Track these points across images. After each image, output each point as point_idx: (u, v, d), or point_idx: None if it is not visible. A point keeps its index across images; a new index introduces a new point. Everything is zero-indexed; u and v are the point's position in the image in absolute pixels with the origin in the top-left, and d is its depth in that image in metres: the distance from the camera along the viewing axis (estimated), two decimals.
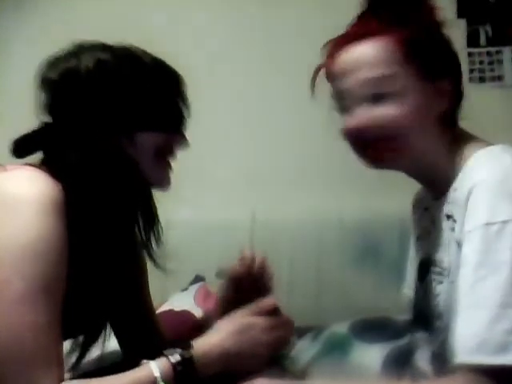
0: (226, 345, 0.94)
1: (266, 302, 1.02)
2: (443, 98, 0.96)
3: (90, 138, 0.96)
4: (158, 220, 1.07)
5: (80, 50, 1.00)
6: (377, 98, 0.95)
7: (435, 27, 0.99)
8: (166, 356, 0.90)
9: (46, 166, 0.95)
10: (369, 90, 0.95)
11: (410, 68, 0.95)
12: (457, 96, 0.99)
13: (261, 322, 0.98)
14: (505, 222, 0.83)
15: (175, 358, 0.90)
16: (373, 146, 0.97)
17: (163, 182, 1.06)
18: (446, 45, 1.00)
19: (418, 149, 0.97)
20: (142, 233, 1.04)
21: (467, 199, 0.88)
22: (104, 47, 1.01)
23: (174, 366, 0.89)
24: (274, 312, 1.01)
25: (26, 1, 2.11)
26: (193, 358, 0.91)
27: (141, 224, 1.04)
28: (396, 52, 0.95)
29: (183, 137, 1.07)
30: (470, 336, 0.82)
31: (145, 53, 1.03)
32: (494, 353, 0.79)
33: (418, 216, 1.13)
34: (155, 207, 1.06)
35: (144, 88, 0.99)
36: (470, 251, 0.85)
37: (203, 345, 0.94)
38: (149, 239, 1.05)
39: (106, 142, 0.97)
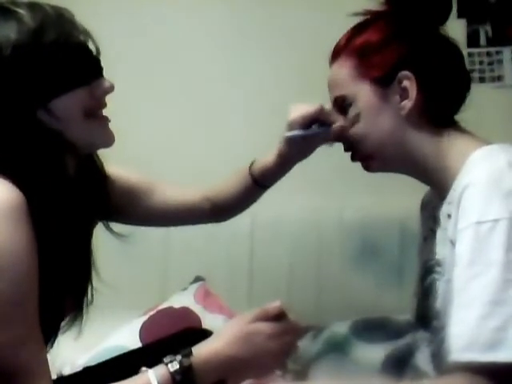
0: (229, 352, 0.90)
1: (272, 305, 0.96)
2: (405, 96, 0.98)
3: (8, 124, 0.86)
4: (105, 184, 1.03)
5: None
6: (343, 113, 1.03)
7: (393, 30, 1.01)
8: (165, 364, 0.88)
9: None
10: (337, 108, 1.05)
11: (360, 76, 1.01)
12: (432, 92, 0.99)
13: (266, 328, 0.92)
14: (496, 221, 0.83)
15: (174, 366, 0.87)
16: (352, 157, 1.06)
17: (103, 141, 0.97)
18: (406, 45, 1.00)
19: (399, 151, 1.00)
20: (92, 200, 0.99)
21: (460, 198, 0.89)
22: None
23: (173, 374, 0.86)
24: (280, 317, 0.95)
25: None
26: (192, 366, 0.87)
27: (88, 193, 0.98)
28: (349, 67, 1.01)
29: (103, 80, 0.94)
30: (462, 334, 0.82)
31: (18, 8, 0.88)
32: (484, 350, 0.80)
33: (426, 217, 1.14)
34: (99, 171, 1.02)
35: (33, 53, 0.85)
36: (462, 250, 0.86)
37: (204, 352, 0.90)
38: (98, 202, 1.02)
39: (24, 123, 0.86)
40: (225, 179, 1.28)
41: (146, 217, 1.23)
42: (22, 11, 0.87)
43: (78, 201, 0.95)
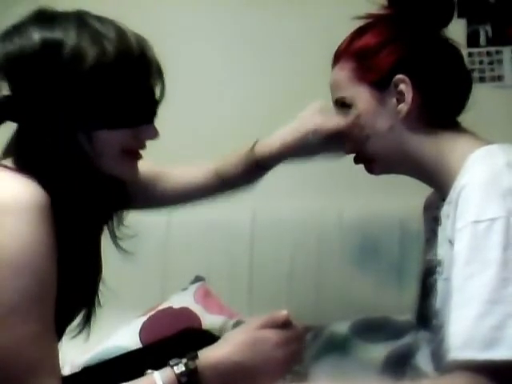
0: (235, 358, 0.90)
1: (279, 314, 0.95)
2: (401, 100, 0.99)
3: (49, 134, 0.88)
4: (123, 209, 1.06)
5: (29, 23, 0.90)
6: (344, 114, 1.04)
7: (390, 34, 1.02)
8: (171, 366, 0.88)
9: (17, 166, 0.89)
10: (338, 109, 1.06)
11: (359, 79, 1.02)
12: (431, 95, 1.00)
13: (273, 335, 0.92)
14: (493, 220, 0.83)
15: (179, 368, 0.87)
16: (355, 159, 1.07)
17: (128, 176, 1.00)
18: (402, 49, 1.01)
19: (399, 154, 1.01)
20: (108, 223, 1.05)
21: (458, 198, 0.89)
22: (57, 19, 0.90)
23: (178, 377, 0.87)
24: (286, 324, 0.95)
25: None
26: (198, 369, 0.88)
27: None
28: (349, 70, 1.03)
29: (151, 126, 0.97)
30: (459, 333, 0.82)
31: (108, 31, 0.92)
32: (482, 348, 0.80)
33: (429, 218, 1.14)
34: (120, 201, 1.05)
35: (105, 82, 0.88)
36: (460, 249, 0.86)
37: (210, 356, 0.90)
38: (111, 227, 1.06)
39: (65, 140, 0.89)
40: (229, 156, 1.26)
41: (152, 204, 1.26)
42: (111, 42, 0.90)
43: (96, 202, 0.97)
